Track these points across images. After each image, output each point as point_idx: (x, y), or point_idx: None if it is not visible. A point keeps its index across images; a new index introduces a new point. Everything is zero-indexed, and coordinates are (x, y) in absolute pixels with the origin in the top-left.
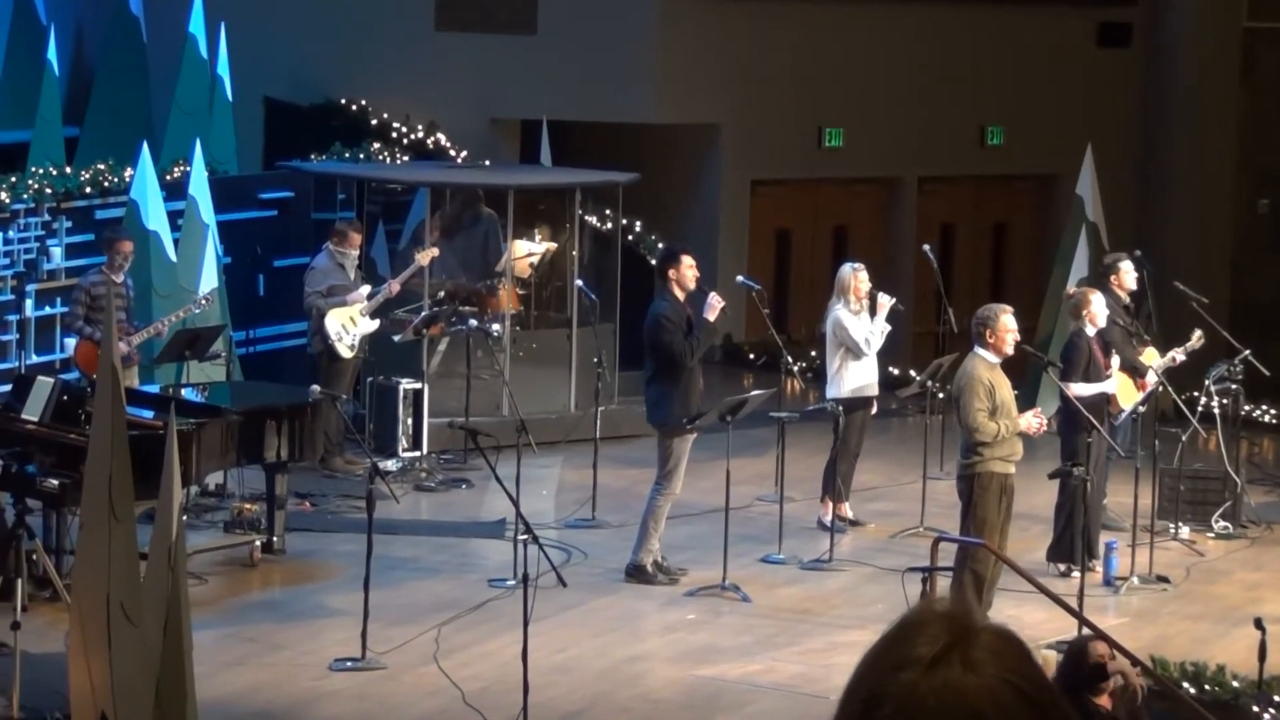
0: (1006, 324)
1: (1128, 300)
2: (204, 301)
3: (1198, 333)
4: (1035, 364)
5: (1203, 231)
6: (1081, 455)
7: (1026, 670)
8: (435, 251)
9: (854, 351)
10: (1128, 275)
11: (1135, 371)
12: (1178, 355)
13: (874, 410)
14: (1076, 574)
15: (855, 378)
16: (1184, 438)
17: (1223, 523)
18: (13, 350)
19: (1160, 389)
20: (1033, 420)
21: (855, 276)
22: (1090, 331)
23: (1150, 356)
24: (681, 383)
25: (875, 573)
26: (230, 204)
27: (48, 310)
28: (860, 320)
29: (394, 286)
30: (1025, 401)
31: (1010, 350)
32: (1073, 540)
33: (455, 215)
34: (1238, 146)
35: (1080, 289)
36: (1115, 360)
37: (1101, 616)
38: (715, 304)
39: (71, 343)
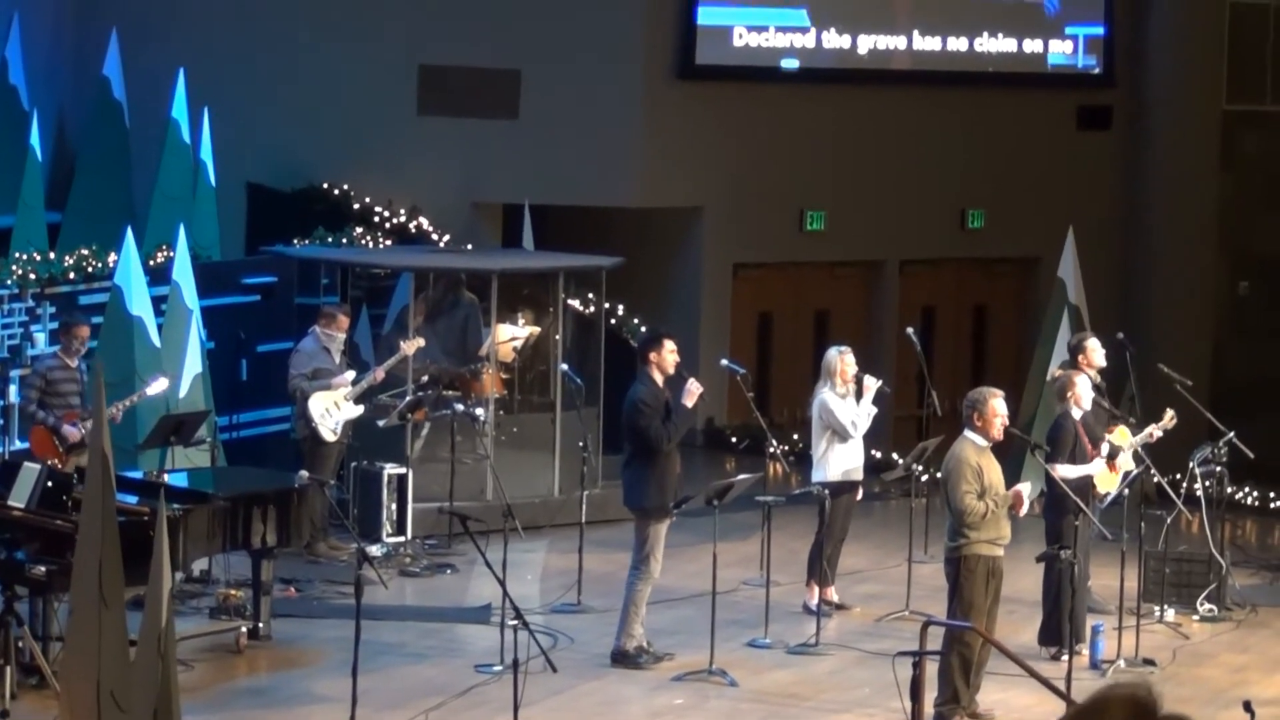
0: (996, 408)
1: (1098, 379)
2: (148, 388)
3: (1169, 412)
4: (1020, 446)
5: (1184, 313)
6: (1068, 538)
7: None
8: (421, 341)
9: (840, 435)
10: (1095, 353)
11: (1107, 454)
12: (1154, 432)
13: (859, 495)
14: (1065, 657)
15: (841, 461)
16: (1168, 520)
17: (1208, 605)
18: None
19: (1144, 471)
20: (1023, 489)
21: (842, 359)
22: (1076, 414)
23: (1122, 435)
24: (659, 466)
25: (862, 657)
26: (214, 289)
27: (20, 397)
28: (847, 403)
29: (379, 374)
30: (1009, 483)
31: (999, 434)
32: (1060, 623)
33: (436, 300)
34: (1218, 228)
35: (1065, 371)
36: (1125, 453)
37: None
38: (693, 390)
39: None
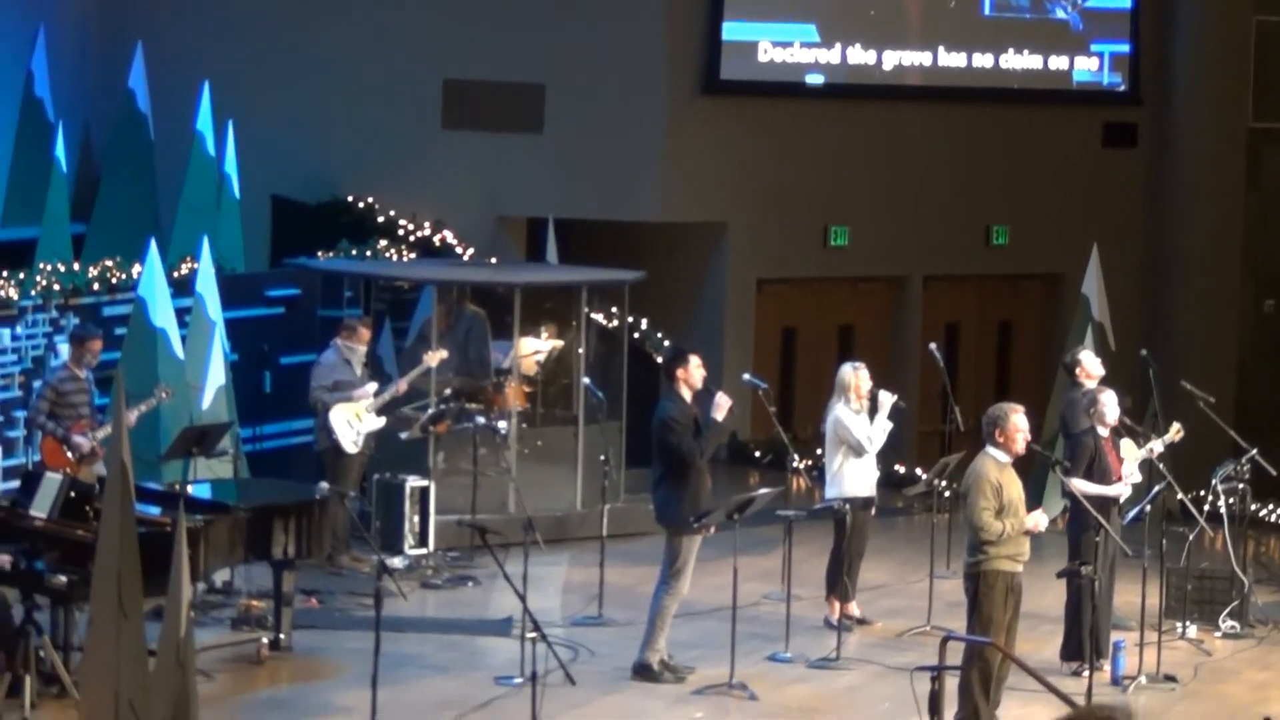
0: (1017, 423)
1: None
2: (165, 394)
3: (1175, 425)
4: (1042, 462)
5: (1208, 331)
6: (1088, 554)
7: None
8: (444, 354)
9: (855, 450)
10: (1091, 364)
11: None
12: (1155, 447)
13: (873, 510)
14: (1086, 673)
15: (855, 477)
16: (1191, 537)
17: (1230, 622)
18: (19, 447)
19: (1166, 487)
20: (1041, 519)
21: (856, 375)
22: (1102, 431)
23: (1128, 450)
24: (690, 483)
25: (883, 671)
26: (237, 301)
27: (30, 409)
28: (861, 419)
29: (401, 386)
30: (1031, 500)
31: (1021, 449)
32: (1081, 639)
33: (443, 314)
34: (1243, 246)
35: (1090, 388)
36: (1130, 463)
37: None
38: (723, 404)
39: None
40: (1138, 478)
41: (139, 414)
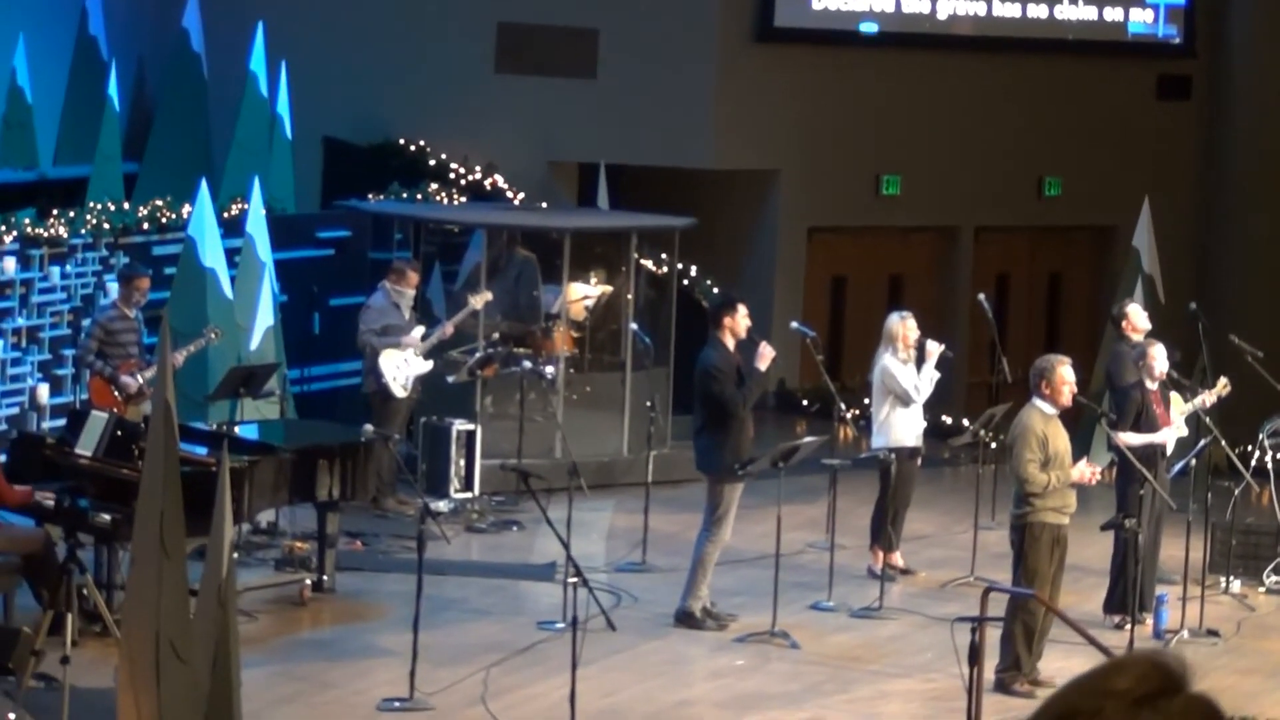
0: (1064, 375)
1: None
2: (214, 335)
3: (1223, 380)
4: (1089, 414)
5: (1260, 285)
6: (1133, 506)
7: None
8: (489, 295)
9: (902, 400)
10: (1138, 318)
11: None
12: (1206, 400)
13: (919, 461)
14: (1128, 626)
15: (902, 426)
16: (1236, 492)
17: (1274, 577)
18: (68, 384)
19: (1213, 441)
20: (1085, 470)
21: (904, 325)
22: (1150, 384)
23: (1175, 403)
24: (732, 432)
25: (925, 622)
26: (287, 242)
27: (79, 347)
28: (908, 369)
29: (448, 328)
30: (1079, 452)
31: (1067, 401)
32: (1125, 592)
33: (493, 258)
34: None
35: (1141, 340)
36: (1178, 415)
37: None
38: (766, 354)
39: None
40: (1184, 431)
41: (187, 354)
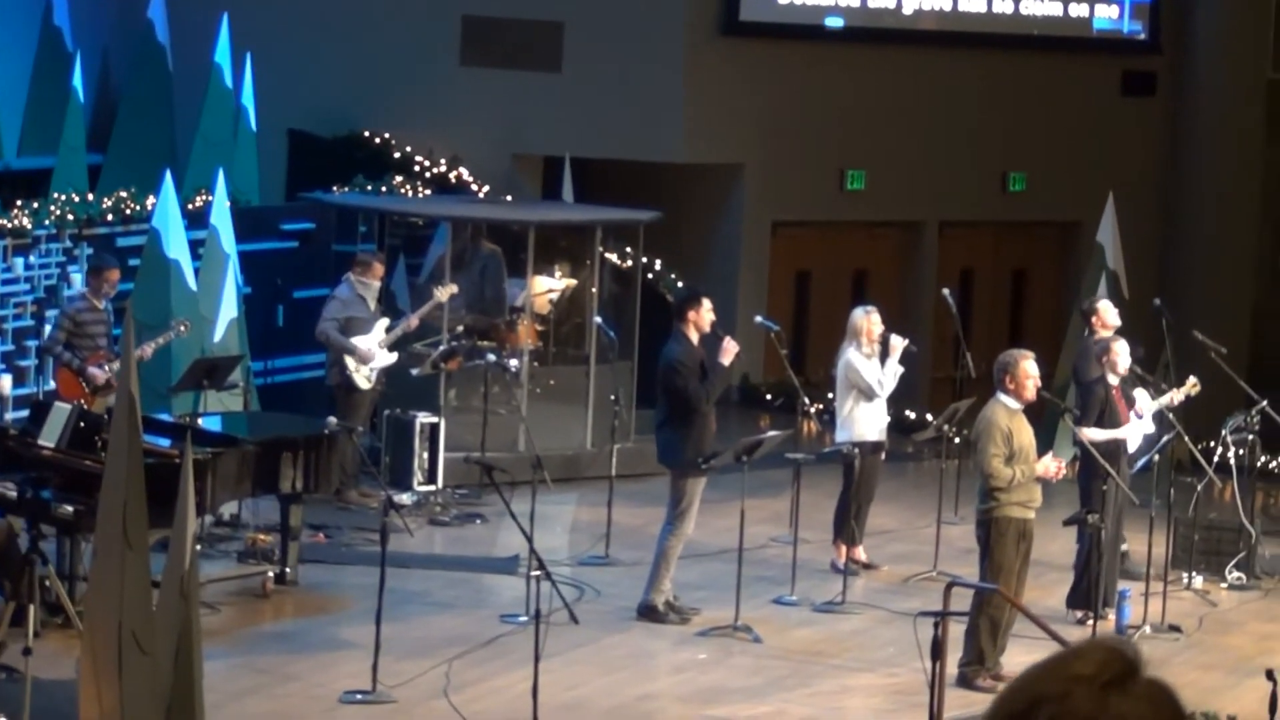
0: (1028, 369)
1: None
2: (182, 328)
3: (1192, 379)
4: (1052, 409)
5: (1223, 281)
6: (1096, 502)
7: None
8: (454, 288)
9: (866, 394)
10: (1108, 314)
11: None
12: (1175, 397)
13: (883, 455)
14: (1091, 622)
15: (865, 421)
16: (1199, 487)
17: (1236, 573)
18: (31, 376)
19: (1176, 437)
20: (1050, 464)
21: (868, 319)
22: (1112, 380)
23: (1144, 400)
24: (695, 426)
25: (888, 616)
26: (252, 234)
27: (47, 337)
28: (872, 363)
29: (413, 321)
30: (1042, 447)
31: (1031, 396)
32: (1088, 587)
33: (457, 251)
34: (1261, 198)
35: (1105, 336)
36: (1143, 408)
37: None
38: (730, 349)
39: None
40: (1152, 428)
41: (155, 347)
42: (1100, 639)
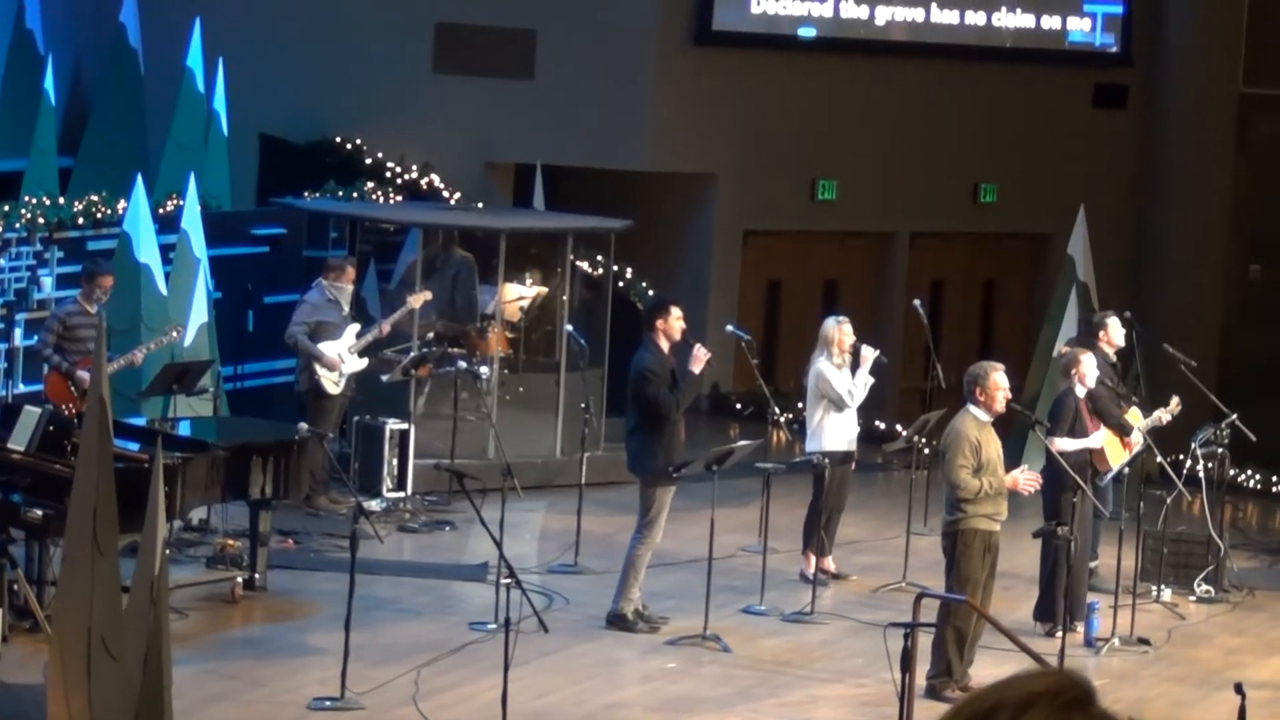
0: (998, 381)
1: (1114, 359)
2: (174, 334)
3: (1175, 399)
4: (1022, 421)
5: (1193, 295)
6: (1065, 514)
7: None
8: (428, 295)
9: (836, 404)
10: (1115, 332)
11: (1122, 430)
12: (1163, 416)
13: (853, 465)
14: (1060, 634)
15: (836, 431)
16: (1169, 500)
17: (1205, 586)
18: (0, 379)
19: (1146, 451)
20: (1019, 477)
21: (839, 329)
22: (1080, 392)
23: (1134, 417)
24: (664, 434)
25: (856, 627)
26: (222, 239)
27: (37, 340)
28: (843, 373)
29: (384, 327)
30: (1011, 459)
31: (1001, 408)
32: (1055, 600)
33: (429, 257)
34: (1231, 211)
35: (1072, 349)
36: (1136, 432)
37: None
38: (700, 357)
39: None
40: (1141, 444)
41: (146, 352)
42: (1054, 668)
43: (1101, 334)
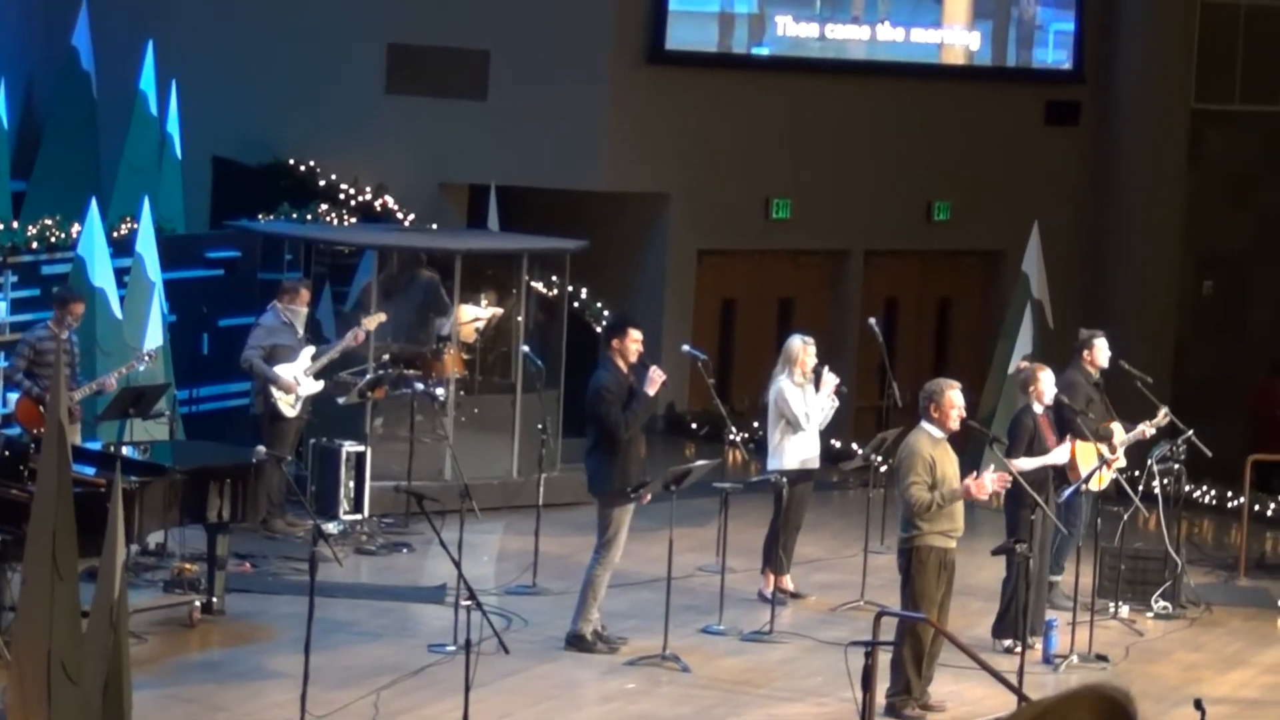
0: (953, 399)
1: (1098, 377)
2: (148, 358)
3: (1162, 411)
4: (978, 439)
5: (1148, 311)
6: (1024, 531)
7: None
8: (383, 317)
9: (792, 425)
10: (1100, 352)
11: (1099, 437)
12: (1147, 430)
13: (812, 484)
14: (1018, 650)
15: (796, 450)
16: (1125, 517)
17: (1162, 603)
18: None
19: (1101, 466)
20: (985, 478)
21: (804, 350)
22: (1038, 409)
23: (1117, 433)
24: (621, 453)
25: (815, 645)
26: (177, 262)
27: (8, 364)
28: (803, 393)
29: (338, 349)
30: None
31: (955, 425)
32: (1014, 616)
33: (394, 276)
34: (1184, 226)
35: (1030, 365)
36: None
37: (1040, 694)
38: (656, 378)
39: (14, 398)
40: (1123, 462)
41: (119, 376)
42: (1094, 686)
43: (1086, 354)
